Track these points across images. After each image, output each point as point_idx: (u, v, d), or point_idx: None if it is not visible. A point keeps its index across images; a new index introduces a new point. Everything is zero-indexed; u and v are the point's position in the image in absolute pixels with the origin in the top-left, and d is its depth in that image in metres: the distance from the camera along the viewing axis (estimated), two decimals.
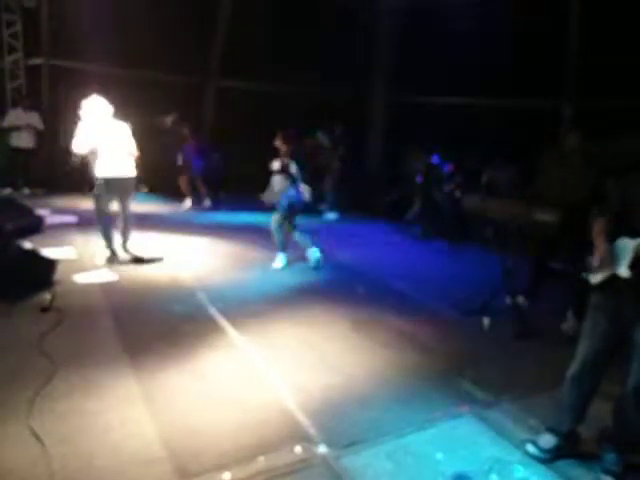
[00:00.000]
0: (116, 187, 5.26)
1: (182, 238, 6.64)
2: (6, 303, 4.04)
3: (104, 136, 5.19)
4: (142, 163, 5.57)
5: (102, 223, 5.32)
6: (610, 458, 2.51)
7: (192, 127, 8.80)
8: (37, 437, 2.49)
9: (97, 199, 5.26)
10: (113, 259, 5.35)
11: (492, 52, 8.32)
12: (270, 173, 5.67)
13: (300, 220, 5.85)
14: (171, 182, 8.79)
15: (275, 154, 5.67)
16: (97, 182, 5.22)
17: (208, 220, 7.94)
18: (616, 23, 7.44)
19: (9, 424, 2.59)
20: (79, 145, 5.12)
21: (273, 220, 5.65)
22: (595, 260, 2.51)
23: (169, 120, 8.78)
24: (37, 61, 9.06)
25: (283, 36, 9.38)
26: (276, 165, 5.60)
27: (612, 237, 2.49)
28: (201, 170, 8.74)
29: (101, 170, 5.19)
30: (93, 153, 5.17)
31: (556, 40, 8.58)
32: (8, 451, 2.41)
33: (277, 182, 5.61)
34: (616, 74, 7.41)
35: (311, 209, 5.91)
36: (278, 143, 5.63)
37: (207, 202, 8.84)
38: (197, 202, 8.82)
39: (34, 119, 8.57)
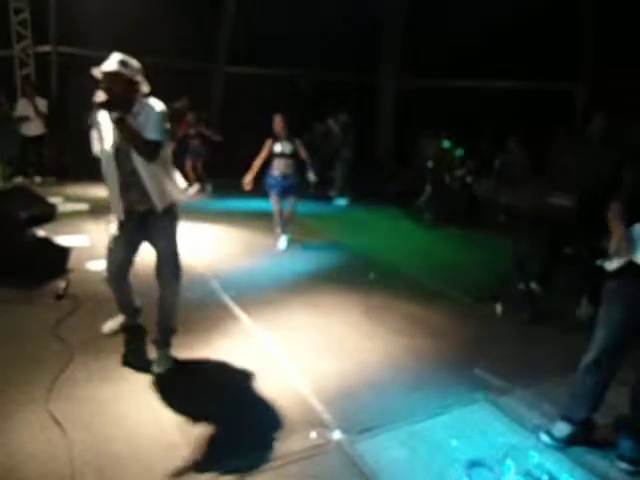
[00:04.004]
0: None
1: (191, 225, 6.64)
2: (21, 291, 4.08)
3: None
4: None
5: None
6: (626, 445, 2.50)
7: (198, 114, 8.77)
8: (56, 422, 2.53)
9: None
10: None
11: (504, 34, 8.17)
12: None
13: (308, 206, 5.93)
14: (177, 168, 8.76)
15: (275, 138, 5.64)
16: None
17: (216, 206, 7.93)
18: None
19: (29, 409, 2.63)
20: None
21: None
22: (612, 245, 2.46)
23: (179, 105, 8.77)
24: (45, 48, 9.04)
25: (291, 20, 9.25)
26: (284, 148, 5.60)
27: (628, 223, 2.44)
28: (203, 155, 8.77)
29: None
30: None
31: (571, 21, 8.40)
32: (29, 435, 2.45)
33: (283, 165, 5.68)
34: (632, 55, 7.25)
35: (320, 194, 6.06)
36: (279, 127, 5.58)
37: (209, 187, 8.87)
38: (201, 188, 8.87)
39: (39, 105, 8.51)
